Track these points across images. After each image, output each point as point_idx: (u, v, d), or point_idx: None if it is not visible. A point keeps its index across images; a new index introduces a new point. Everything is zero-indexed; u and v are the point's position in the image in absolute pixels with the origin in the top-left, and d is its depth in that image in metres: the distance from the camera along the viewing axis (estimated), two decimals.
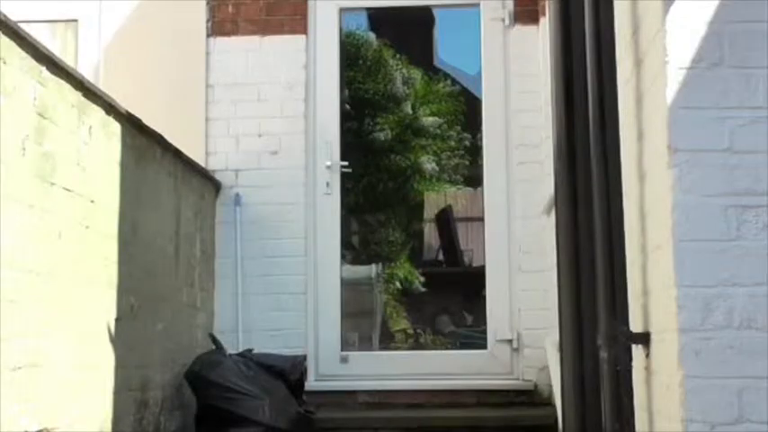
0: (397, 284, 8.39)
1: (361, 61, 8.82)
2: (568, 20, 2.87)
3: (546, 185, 4.69)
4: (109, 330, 3.68)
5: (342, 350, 5.26)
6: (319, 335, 5.21)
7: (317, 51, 5.43)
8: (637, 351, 2.56)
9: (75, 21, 5.56)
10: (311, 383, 4.95)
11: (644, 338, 2.54)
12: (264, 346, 4.83)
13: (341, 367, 5.21)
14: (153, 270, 4.21)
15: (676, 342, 2.22)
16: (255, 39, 5.38)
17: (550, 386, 4.73)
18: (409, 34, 8.82)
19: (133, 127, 3.97)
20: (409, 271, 8.53)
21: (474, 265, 8.49)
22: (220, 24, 5.40)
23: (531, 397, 4.97)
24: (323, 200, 5.30)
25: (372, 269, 7.48)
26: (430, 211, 9.44)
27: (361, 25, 8.73)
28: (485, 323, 5.26)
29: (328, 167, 5.30)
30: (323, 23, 5.47)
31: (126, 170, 3.86)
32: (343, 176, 5.40)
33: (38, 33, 3.36)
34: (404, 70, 9.16)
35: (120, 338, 3.74)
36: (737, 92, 2.29)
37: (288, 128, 5.31)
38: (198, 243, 4.90)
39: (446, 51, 10.03)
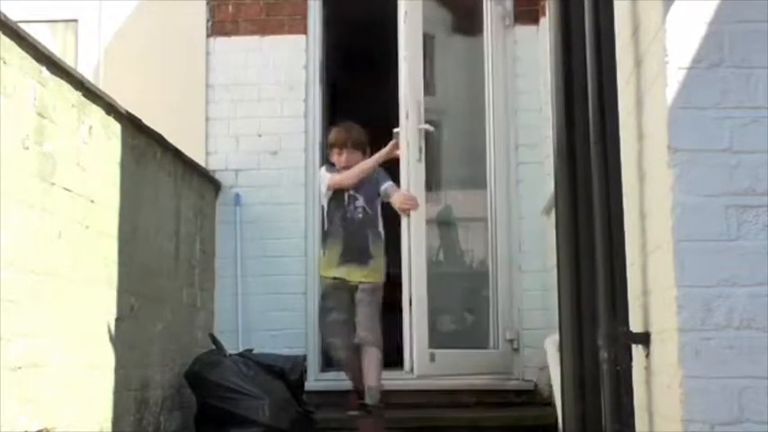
0: None
1: None
2: (568, 20, 2.86)
3: (546, 185, 4.69)
4: (109, 330, 3.67)
5: None
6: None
7: (318, 51, 5.42)
8: (637, 351, 2.55)
9: (75, 21, 5.56)
10: (311, 383, 4.95)
11: (644, 338, 2.54)
12: (264, 346, 4.83)
13: None
14: (153, 270, 4.21)
15: (676, 342, 2.22)
16: (255, 39, 5.38)
17: (550, 386, 4.72)
18: None
19: (133, 127, 3.97)
20: None
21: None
22: (220, 24, 5.40)
23: (531, 397, 4.97)
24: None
25: None
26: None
27: None
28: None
29: None
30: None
31: (126, 170, 3.86)
32: None
33: (38, 33, 3.37)
34: None
35: (120, 338, 3.74)
36: (737, 92, 2.28)
37: (288, 128, 5.31)
38: (198, 243, 4.90)
39: None
